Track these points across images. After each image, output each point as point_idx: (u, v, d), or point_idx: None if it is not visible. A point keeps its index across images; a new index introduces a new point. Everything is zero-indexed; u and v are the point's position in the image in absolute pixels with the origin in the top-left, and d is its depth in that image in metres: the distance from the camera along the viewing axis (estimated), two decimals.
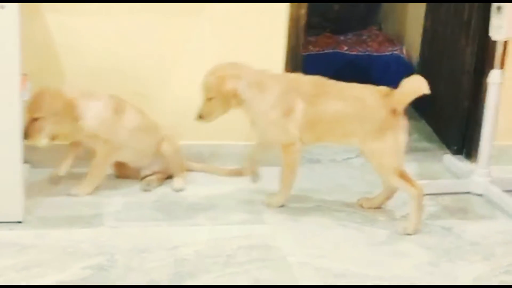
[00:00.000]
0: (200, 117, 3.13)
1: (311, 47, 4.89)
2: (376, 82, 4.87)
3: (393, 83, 4.84)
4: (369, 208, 3.32)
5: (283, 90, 3.12)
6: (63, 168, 3.33)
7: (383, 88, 3.16)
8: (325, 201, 3.40)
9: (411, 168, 3.83)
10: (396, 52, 4.93)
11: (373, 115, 3.10)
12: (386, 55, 4.90)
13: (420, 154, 4.06)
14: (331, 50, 4.92)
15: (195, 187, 3.45)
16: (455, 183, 3.67)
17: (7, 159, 2.93)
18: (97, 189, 3.30)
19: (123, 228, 3.02)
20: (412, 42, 4.95)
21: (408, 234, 3.10)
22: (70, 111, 3.16)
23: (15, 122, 2.91)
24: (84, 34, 3.48)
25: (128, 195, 3.32)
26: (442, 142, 4.21)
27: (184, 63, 3.60)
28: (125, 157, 3.37)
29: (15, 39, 2.82)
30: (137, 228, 3.04)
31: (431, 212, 3.36)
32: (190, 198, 3.34)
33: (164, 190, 3.40)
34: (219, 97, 3.09)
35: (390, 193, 3.31)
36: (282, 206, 3.28)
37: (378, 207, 3.32)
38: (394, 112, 3.10)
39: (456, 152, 4.04)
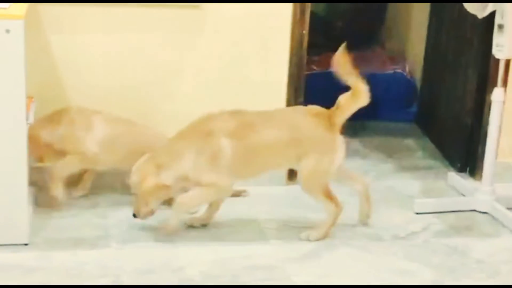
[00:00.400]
0: (135, 216, 3.12)
1: (314, 67, 4.90)
2: (379, 100, 4.90)
3: (396, 101, 4.89)
4: (363, 220, 3.33)
5: (200, 138, 3.04)
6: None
7: (313, 107, 3.16)
8: None
9: (415, 186, 3.86)
10: (398, 70, 4.94)
11: (309, 136, 3.10)
12: (388, 73, 4.91)
13: (424, 172, 4.07)
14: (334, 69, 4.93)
15: (199, 207, 3.45)
16: (459, 201, 3.67)
17: (13, 182, 2.95)
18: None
19: (128, 249, 3.03)
20: (415, 60, 4.97)
21: (309, 241, 3.14)
22: (34, 148, 3.21)
23: (21, 145, 2.93)
24: (88, 53, 3.50)
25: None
26: (445, 160, 4.22)
27: (187, 81, 3.63)
28: (105, 165, 3.38)
29: (20, 63, 2.84)
30: (142, 249, 3.05)
31: (436, 230, 3.36)
32: None
33: (170, 210, 3.40)
34: (145, 195, 3.06)
35: (364, 196, 3.31)
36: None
37: (368, 216, 3.33)
38: (331, 130, 3.10)
39: (460, 169, 4.05)
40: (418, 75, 4.86)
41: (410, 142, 4.50)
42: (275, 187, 3.70)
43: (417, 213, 3.50)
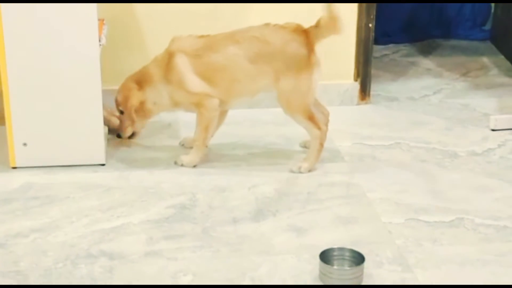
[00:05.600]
0: (119, 136, 3.18)
1: None
2: (453, 19, 4.77)
3: (470, 19, 4.75)
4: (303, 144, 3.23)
5: (164, 62, 3.03)
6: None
7: (289, 23, 2.98)
8: (403, 138, 3.36)
9: (490, 103, 3.77)
10: None
11: (282, 51, 2.95)
12: None
13: (500, 89, 3.97)
14: None
15: (274, 127, 3.45)
16: None
17: (88, 105, 2.99)
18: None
19: (203, 169, 3.05)
20: None
21: (301, 173, 3.01)
22: None
23: (95, 67, 2.95)
24: None
25: None
26: None
27: None
28: None
29: None
30: (217, 168, 3.06)
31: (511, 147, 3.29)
32: (267, 138, 3.35)
33: (243, 132, 3.41)
34: (131, 112, 3.09)
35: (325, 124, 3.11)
36: (195, 166, 3.09)
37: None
38: (307, 48, 2.95)
39: None
40: None
41: (484, 60, 4.40)
42: (346, 106, 3.67)
43: (493, 130, 3.43)
